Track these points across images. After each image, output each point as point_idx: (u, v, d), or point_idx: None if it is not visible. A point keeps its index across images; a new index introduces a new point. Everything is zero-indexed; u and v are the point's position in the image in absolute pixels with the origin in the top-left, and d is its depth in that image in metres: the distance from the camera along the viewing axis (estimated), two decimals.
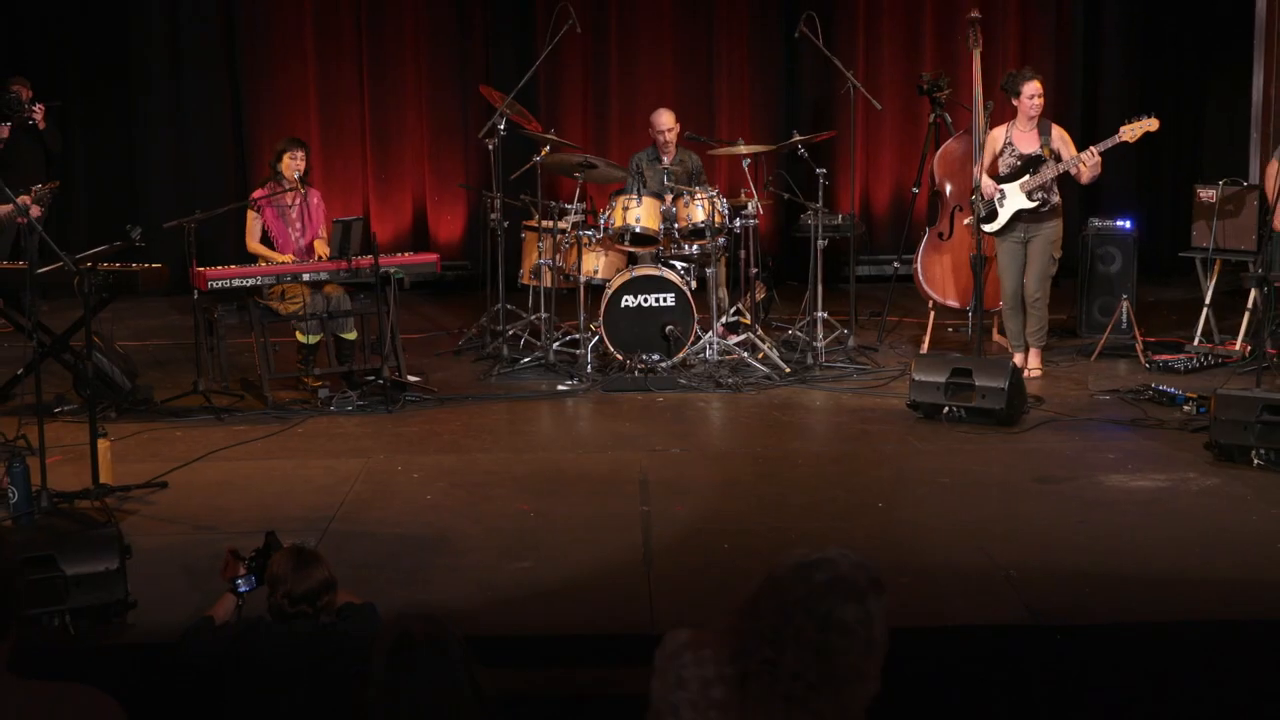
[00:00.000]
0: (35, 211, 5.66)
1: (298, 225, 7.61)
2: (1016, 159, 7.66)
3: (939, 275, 8.68)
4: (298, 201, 7.60)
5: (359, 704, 2.58)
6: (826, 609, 2.45)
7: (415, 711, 2.47)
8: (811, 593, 2.47)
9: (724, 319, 8.13)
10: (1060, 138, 7.70)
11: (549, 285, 8.12)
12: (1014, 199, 7.63)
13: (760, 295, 8.52)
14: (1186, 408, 6.83)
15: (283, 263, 7.43)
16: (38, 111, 9.53)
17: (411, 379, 7.47)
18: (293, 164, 7.52)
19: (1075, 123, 10.24)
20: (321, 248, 7.52)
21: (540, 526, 5.27)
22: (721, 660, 2.53)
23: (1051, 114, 7.90)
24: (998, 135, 7.78)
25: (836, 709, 2.46)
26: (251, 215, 7.60)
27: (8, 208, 5.80)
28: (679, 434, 6.67)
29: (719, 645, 2.55)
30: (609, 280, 7.90)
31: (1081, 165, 7.51)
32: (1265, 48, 10.13)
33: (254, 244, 7.60)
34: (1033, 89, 7.61)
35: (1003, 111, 8.54)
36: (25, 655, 2.37)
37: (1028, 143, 7.68)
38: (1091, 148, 7.52)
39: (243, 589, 3.80)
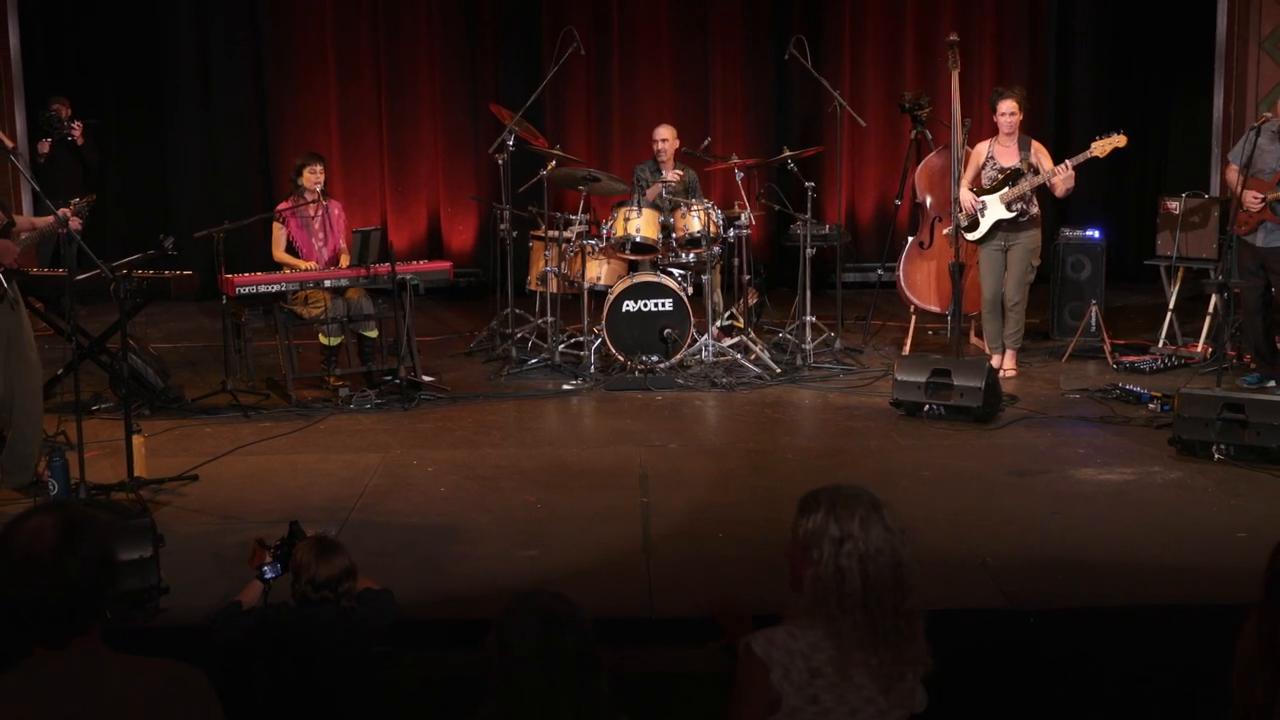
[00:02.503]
0: (75, 224, 5.67)
1: (320, 235, 7.61)
2: (997, 172, 7.68)
3: (920, 281, 8.68)
4: (319, 213, 7.60)
5: (487, 678, 2.56)
6: (869, 539, 2.67)
7: (564, 681, 2.48)
8: (887, 541, 2.68)
9: (719, 323, 8.12)
10: (1038, 153, 7.72)
11: (555, 291, 8.12)
12: (994, 209, 7.65)
13: (753, 300, 8.53)
14: (1152, 406, 6.84)
15: (306, 270, 7.43)
16: (76, 129, 9.55)
17: (426, 379, 7.48)
18: (313, 178, 7.52)
19: (1048, 139, 10.21)
20: (346, 262, 7.51)
21: (546, 517, 5.27)
22: (818, 634, 2.65)
23: (1026, 130, 7.91)
24: (981, 150, 7.82)
25: (909, 620, 2.71)
26: (277, 226, 7.60)
27: (48, 220, 5.81)
28: (676, 430, 6.67)
29: (808, 625, 2.67)
30: (611, 286, 7.90)
31: (1055, 178, 7.53)
32: (1225, 69, 10.13)
33: (279, 253, 7.60)
34: (1006, 106, 7.65)
35: (981, 128, 8.56)
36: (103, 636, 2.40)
37: (1008, 157, 7.71)
38: (1066, 161, 7.54)
39: (269, 576, 3.79)
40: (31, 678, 2.28)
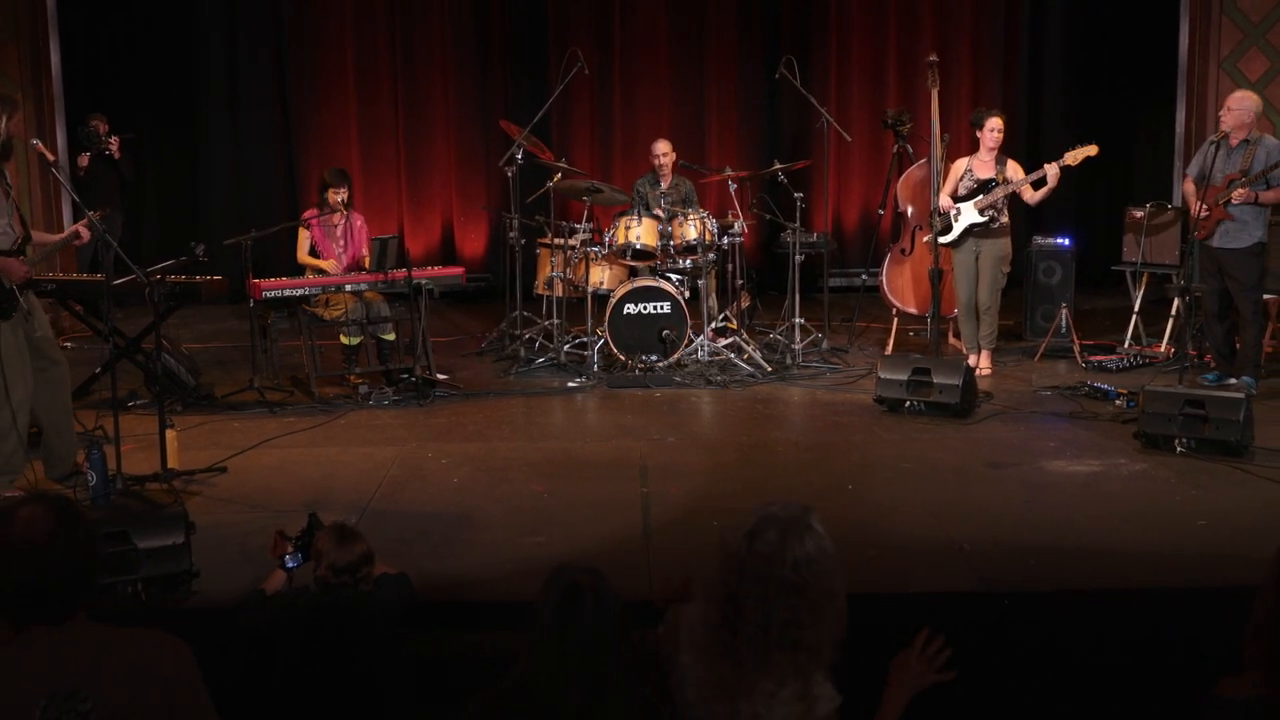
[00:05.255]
0: (85, 236, 5.70)
1: (341, 243, 7.60)
2: (973, 182, 7.70)
3: (901, 286, 8.67)
4: (342, 223, 7.60)
5: (524, 647, 2.53)
6: (791, 554, 2.43)
7: (580, 652, 2.44)
8: (773, 552, 2.45)
9: (713, 324, 8.12)
10: (1013, 168, 7.73)
11: (560, 295, 8.12)
12: (967, 214, 7.68)
13: (745, 303, 8.52)
14: (1118, 402, 6.83)
15: (329, 274, 7.45)
16: (114, 143, 9.55)
17: (440, 377, 7.47)
18: (335, 196, 7.52)
19: (1021, 153, 10.24)
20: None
21: (553, 506, 5.26)
22: (711, 616, 2.49)
23: (1002, 146, 7.91)
24: (960, 164, 7.86)
25: (825, 632, 2.46)
26: (302, 232, 7.61)
27: (61, 235, 5.89)
28: (674, 425, 6.66)
29: (709, 607, 2.52)
30: (613, 290, 7.90)
31: (1028, 187, 7.55)
32: (1187, 87, 10.13)
33: (304, 256, 7.61)
34: (994, 124, 7.69)
35: (959, 143, 8.56)
36: (103, 618, 2.40)
37: (985, 170, 7.73)
38: (1053, 164, 7.53)
39: (290, 565, 3.78)
40: (26, 653, 2.29)
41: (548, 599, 2.49)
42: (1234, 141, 7.02)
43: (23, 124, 5.51)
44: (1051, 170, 7.51)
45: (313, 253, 7.60)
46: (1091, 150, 7.49)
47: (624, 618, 2.52)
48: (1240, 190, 6.91)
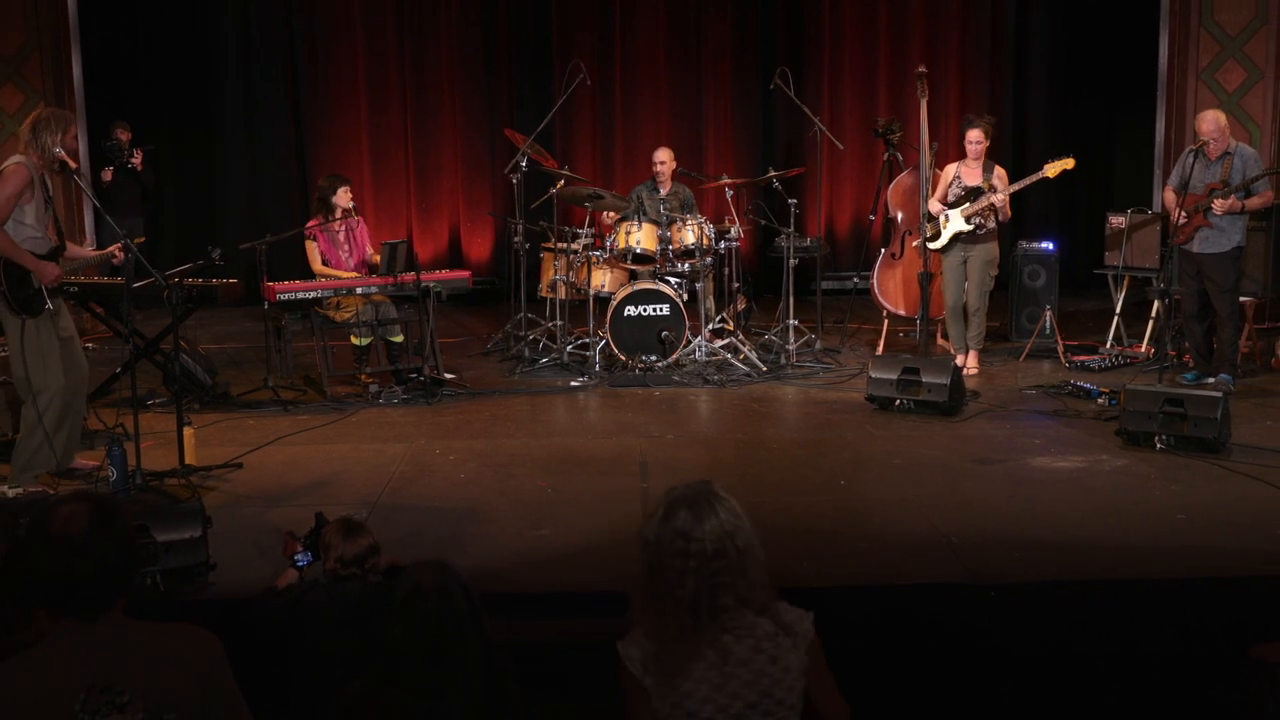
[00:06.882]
0: (119, 258, 5.73)
1: (346, 247, 7.60)
2: (961, 189, 7.70)
3: (892, 289, 8.67)
4: (344, 228, 7.60)
5: (384, 640, 2.58)
6: (706, 526, 2.46)
7: (424, 648, 2.47)
8: (683, 530, 2.47)
9: (711, 326, 8.12)
10: (999, 176, 7.73)
11: (563, 297, 8.12)
12: (955, 222, 7.68)
13: (741, 306, 8.51)
14: (1100, 400, 6.83)
15: (341, 279, 7.44)
16: (136, 157, 9.57)
17: (448, 376, 7.46)
18: (347, 197, 7.52)
19: (1006, 160, 10.25)
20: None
21: (556, 500, 5.26)
22: (648, 632, 2.51)
23: (989, 153, 7.91)
24: (949, 170, 7.86)
25: (756, 579, 2.49)
26: (310, 244, 7.58)
27: (94, 254, 5.92)
28: (673, 423, 6.66)
29: (643, 625, 2.54)
30: (614, 293, 7.90)
31: (1006, 199, 7.57)
32: (1166, 97, 10.13)
33: (318, 267, 7.59)
34: (971, 135, 7.71)
35: (947, 150, 8.55)
36: (129, 610, 2.41)
37: (972, 177, 7.74)
38: (1038, 173, 7.55)
39: (300, 563, 3.78)
40: (63, 647, 2.30)
41: (395, 594, 2.52)
42: (1213, 155, 7.04)
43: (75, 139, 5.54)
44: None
45: (324, 263, 7.58)
46: (1069, 163, 7.53)
47: (473, 612, 2.54)
48: (1220, 200, 6.90)
